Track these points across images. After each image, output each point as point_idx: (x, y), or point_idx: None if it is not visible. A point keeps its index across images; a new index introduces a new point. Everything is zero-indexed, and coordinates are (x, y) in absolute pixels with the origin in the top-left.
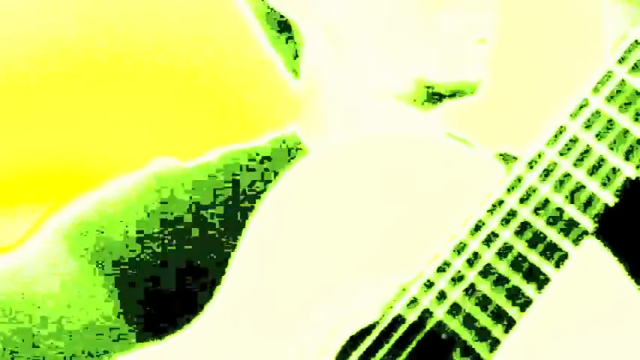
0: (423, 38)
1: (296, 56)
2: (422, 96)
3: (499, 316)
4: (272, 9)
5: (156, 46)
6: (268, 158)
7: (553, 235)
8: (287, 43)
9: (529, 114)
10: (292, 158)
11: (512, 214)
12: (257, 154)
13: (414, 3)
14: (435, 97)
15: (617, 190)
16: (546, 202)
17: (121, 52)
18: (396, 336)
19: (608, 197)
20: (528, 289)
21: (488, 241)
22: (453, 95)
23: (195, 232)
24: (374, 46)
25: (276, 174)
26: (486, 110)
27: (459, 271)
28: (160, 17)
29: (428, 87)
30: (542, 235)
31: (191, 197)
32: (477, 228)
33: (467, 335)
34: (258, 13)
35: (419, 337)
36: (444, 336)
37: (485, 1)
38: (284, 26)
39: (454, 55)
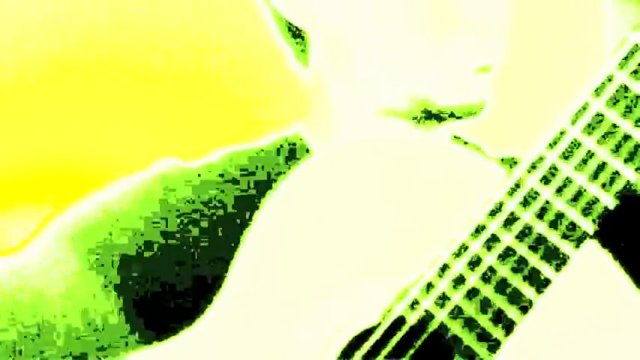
0: (427, 59)
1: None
2: (419, 115)
3: (500, 318)
4: None
5: (158, 46)
6: (272, 159)
7: (554, 237)
8: (298, 42)
9: (535, 119)
10: (296, 159)
11: (514, 217)
12: (261, 155)
13: (422, 23)
14: (434, 117)
15: (617, 194)
16: (547, 205)
17: (123, 52)
18: (397, 338)
19: (608, 200)
20: (529, 291)
21: (489, 244)
22: (452, 116)
23: (199, 232)
24: (375, 59)
25: (279, 174)
26: (493, 115)
27: (460, 274)
28: (163, 16)
29: (424, 108)
30: (543, 238)
31: (194, 197)
32: (478, 231)
33: (468, 337)
34: (272, 12)
35: (420, 339)
36: (445, 338)
37: (495, 31)
38: (295, 28)
39: (457, 78)
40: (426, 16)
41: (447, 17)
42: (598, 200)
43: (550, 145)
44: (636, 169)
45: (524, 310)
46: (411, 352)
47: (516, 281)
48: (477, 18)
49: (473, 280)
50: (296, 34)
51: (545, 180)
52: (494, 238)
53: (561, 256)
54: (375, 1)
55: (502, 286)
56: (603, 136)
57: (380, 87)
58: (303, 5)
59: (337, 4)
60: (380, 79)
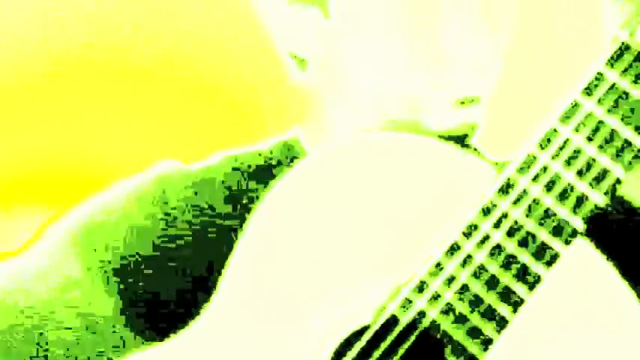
0: (411, 88)
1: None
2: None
3: (491, 315)
4: None
5: (159, 49)
6: (271, 162)
7: (544, 235)
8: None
9: (532, 121)
10: (294, 162)
11: (504, 215)
12: (260, 158)
13: (407, 57)
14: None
15: (607, 191)
16: (537, 203)
17: (124, 54)
18: (390, 337)
19: (598, 198)
20: (520, 289)
21: (480, 243)
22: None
23: (197, 234)
24: (362, 86)
25: (278, 178)
26: (492, 117)
27: (452, 272)
28: (164, 19)
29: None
30: (533, 236)
31: (194, 199)
32: (470, 229)
33: (460, 335)
34: None
35: (413, 338)
36: (437, 336)
37: (481, 67)
38: None
39: (441, 108)
40: (412, 50)
41: (432, 52)
42: (587, 198)
43: (540, 143)
44: (625, 167)
45: (515, 307)
46: (403, 350)
47: (507, 279)
48: (461, 55)
49: (464, 278)
50: None
51: (535, 177)
52: (485, 237)
53: (552, 253)
54: (362, 36)
55: (493, 284)
56: (592, 134)
57: (370, 115)
58: (293, 40)
59: (326, 39)
60: (369, 109)
